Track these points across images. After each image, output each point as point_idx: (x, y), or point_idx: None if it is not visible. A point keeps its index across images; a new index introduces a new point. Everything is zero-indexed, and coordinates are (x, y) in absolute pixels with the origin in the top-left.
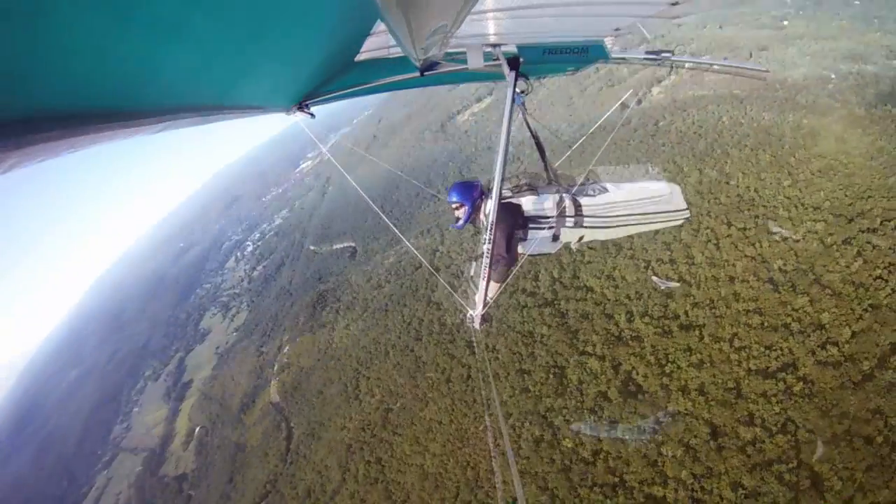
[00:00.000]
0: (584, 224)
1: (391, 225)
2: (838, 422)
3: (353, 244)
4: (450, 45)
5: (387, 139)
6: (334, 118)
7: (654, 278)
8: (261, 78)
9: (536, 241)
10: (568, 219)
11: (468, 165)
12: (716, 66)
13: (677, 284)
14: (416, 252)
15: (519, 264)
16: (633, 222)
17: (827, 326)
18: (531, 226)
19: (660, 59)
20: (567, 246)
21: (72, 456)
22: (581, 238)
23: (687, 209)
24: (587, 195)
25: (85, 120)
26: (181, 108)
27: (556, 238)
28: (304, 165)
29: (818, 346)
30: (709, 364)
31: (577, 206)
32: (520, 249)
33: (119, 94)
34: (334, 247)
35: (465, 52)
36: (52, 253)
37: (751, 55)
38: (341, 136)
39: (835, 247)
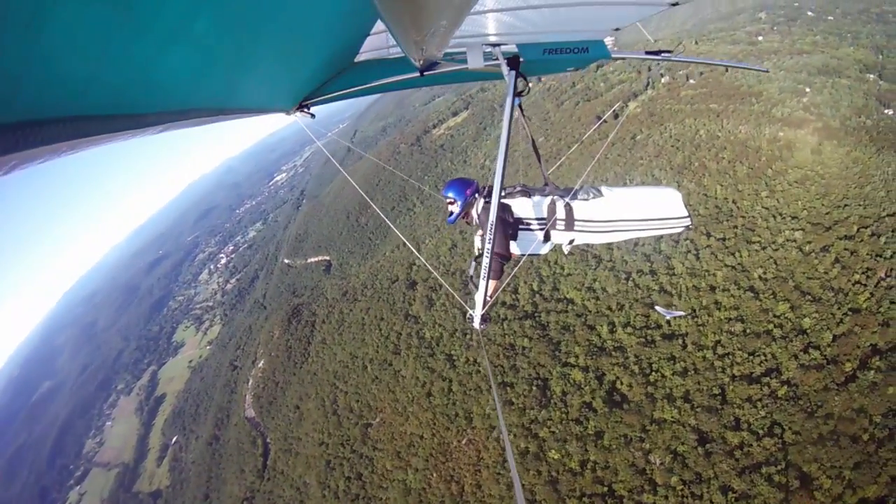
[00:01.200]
0: (575, 228)
1: (390, 223)
2: (824, 422)
3: (327, 258)
4: (449, 44)
5: (362, 152)
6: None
7: (658, 308)
8: (262, 80)
9: (526, 242)
10: (559, 222)
11: (443, 179)
12: (718, 64)
13: (683, 313)
14: (414, 249)
15: (520, 264)
16: (626, 228)
17: (808, 331)
18: (520, 227)
19: (661, 58)
20: (559, 248)
21: (44, 470)
22: (572, 241)
23: (688, 217)
24: (580, 199)
25: (88, 122)
26: (184, 111)
27: (547, 239)
28: (278, 178)
29: (801, 351)
30: (693, 372)
31: (569, 210)
32: (510, 249)
33: (122, 97)
34: (309, 260)
35: (464, 52)
36: (23, 261)
37: (727, 70)
38: (315, 151)
39: (813, 254)
